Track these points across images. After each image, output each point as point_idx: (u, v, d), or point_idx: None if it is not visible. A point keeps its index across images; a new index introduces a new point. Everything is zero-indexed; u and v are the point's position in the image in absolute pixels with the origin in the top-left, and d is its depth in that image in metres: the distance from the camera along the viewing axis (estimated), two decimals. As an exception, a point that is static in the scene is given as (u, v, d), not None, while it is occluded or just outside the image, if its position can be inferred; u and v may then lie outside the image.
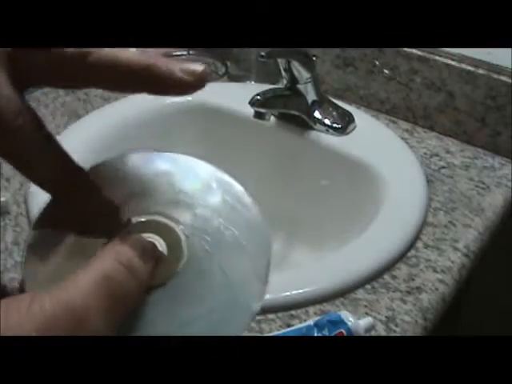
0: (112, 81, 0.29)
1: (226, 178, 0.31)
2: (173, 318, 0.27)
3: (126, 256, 0.27)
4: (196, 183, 0.31)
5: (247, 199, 0.31)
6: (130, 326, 0.27)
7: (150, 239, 0.29)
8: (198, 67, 0.29)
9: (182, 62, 0.29)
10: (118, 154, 0.32)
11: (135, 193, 0.31)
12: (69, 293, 0.24)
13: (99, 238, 0.29)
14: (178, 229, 0.29)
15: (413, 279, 0.69)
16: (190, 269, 0.29)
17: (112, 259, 0.26)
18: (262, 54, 0.77)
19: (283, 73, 0.86)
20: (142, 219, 0.30)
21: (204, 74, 0.29)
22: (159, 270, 0.28)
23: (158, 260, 0.28)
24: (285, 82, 0.87)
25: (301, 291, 0.66)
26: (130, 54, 0.29)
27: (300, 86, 0.86)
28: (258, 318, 0.64)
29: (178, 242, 0.29)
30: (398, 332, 0.62)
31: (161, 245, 0.29)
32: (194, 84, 0.29)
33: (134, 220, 0.30)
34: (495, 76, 0.85)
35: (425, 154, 0.88)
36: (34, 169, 0.29)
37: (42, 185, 0.30)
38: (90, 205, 0.30)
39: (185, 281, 0.28)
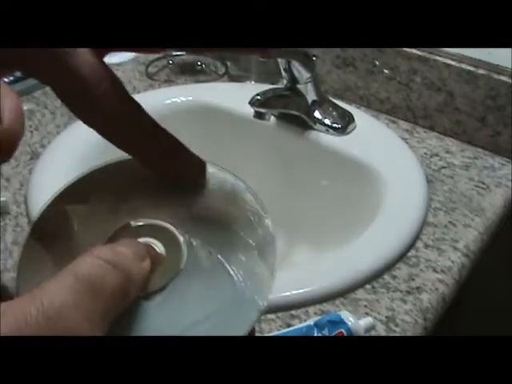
0: None
1: (227, 174, 0.31)
2: (177, 321, 0.27)
3: (110, 254, 0.26)
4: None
5: (249, 195, 0.30)
6: (130, 330, 0.26)
7: (146, 242, 0.28)
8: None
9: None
10: (118, 157, 0.31)
11: (134, 196, 0.30)
12: (48, 291, 0.24)
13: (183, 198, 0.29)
14: (177, 231, 0.29)
15: (413, 279, 0.69)
16: (191, 269, 0.28)
17: (94, 257, 0.25)
18: (262, 54, 0.77)
19: (283, 73, 0.86)
20: (140, 223, 0.29)
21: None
22: (158, 274, 0.28)
23: (156, 262, 0.28)
24: (285, 81, 0.87)
25: (301, 291, 0.66)
26: None
27: (300, 86, 0.86)
28: (258, 317, 0.64)
29: (176, 244, 0.29)
30: (397, 332, 0.62)
31: (158, 247, 0.28)
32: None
33: (133, 224, 0.29)
34: (495, 76, 0.85)
35: (425, 153, 0.88)
36: (121, 134, 0.29)
37: (130, 149, 0.29)
38: (178, 165, 0.30)
39: (187, 282, 0.28)
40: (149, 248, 0.28)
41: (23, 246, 0.29)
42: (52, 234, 0.29)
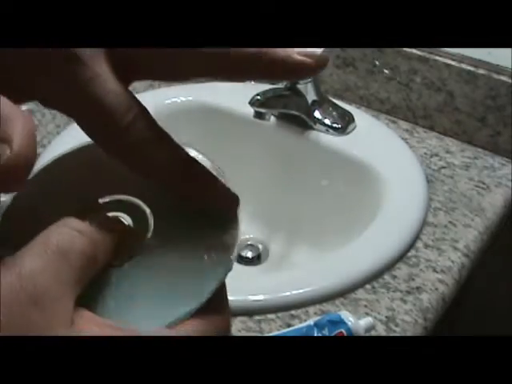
0: (222, 70, 0.28)
1: (194, 152, 0.32)
2: (145, 288, 0.28)
3: (78, 222, 0.27)
4: None
5: (213, 170, 0.31)
6: (101, 297, 0.27)
7: (114, 216, 0.30)
8: (317, 50, 0.28)
9: (294, 49, 0.28)
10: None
11: (106, 174, 0.31)
12: (19, 257, 0.25)
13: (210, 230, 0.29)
14: (143, 204, 0.30)
15: (413, 279, 0.69)
16: (158, 239, 0.29)
17: (60, 226, 0.26)
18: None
19: (283, 73, 0.85)
20: (107, 199, 0.30)
21: (324, 55, 0.28)
22: (127, 243, 0.29)
23: (124, 233, 0.29)
24: (285, 81, 0.87)
25: (301, 291, 0.66)
26: None
27: (300, 86, 0.86)
28: (258, 317, 0.64)
29: (143, 216, 0.30)
30: (398, 332, 0.63)
31: (126, 220, 0.30)
32: (315, 66, 0.27)
33: (100, 201, 0.30)
34: (495, 76, 0.85)
35: (425, 153, 0.88)
36: (148, 166, 0.28)
37: (158, 181, 0.29)
38: (206, 196, 0.29)
39: (154, 251, 0.29)
40: (117, 220, 0.29)
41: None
42: (22, 219, 0.31)
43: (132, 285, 0.28)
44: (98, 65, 0.27)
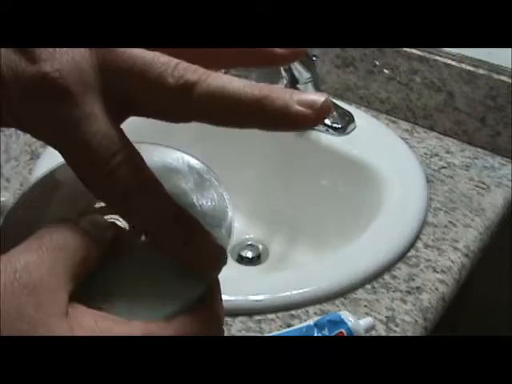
0: (219, 116, 0.27)
1: (178, 152, 0.32)
2: (139, 283, 0.28)
3: (71, 222, 0.27)
4: (157, 165, 0.31)
5: (207, 175, 0.31)
6: (99, 288, 0.28)
7: (110, 219, 0.30)
8: (319, 97, 0.25)
9: (300, 93, 0.25)
10: None
11: None
12: (14, 252, 0.25)
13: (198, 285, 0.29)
14: None
15: (413, 279, 0.69)
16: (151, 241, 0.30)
17: (56, 225, 0.27)
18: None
19: (283, 73, 0.86)
20: (102, 204, 0.30)
21: (326, 105, 0.25)
22: (121, 242, 0.29)
23: (118, 232, 0.29)
24: (285, 81, 0.87)
25: (301, 291, 0.66)
26: (239, 85, 0.26)
27: (300, 86, 0.86)
28: (258, 318, 0.64)
29: None
30: (398, 332, 0.63)
31: (122, 223, 0.30)
32: (314, 119, 0.25)
33: (96, 206, 0.30)
34: (495, 76, 0.85)
35: (425, 153, 0.88)
36: (132, 215, 0.27)
37: (143, 230, 0.28)
38: (189, 251, 0.27)
39: (148, 252, 0.29)
40: (112, 223, 0.29)
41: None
42: (22, 223, 0.31)
43: (125, 282, 0.28)
44: (89, 103, 0.26)
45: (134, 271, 0.29)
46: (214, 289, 0.28)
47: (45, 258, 0.25)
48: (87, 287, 0.27)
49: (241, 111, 0.26)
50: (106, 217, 0.30)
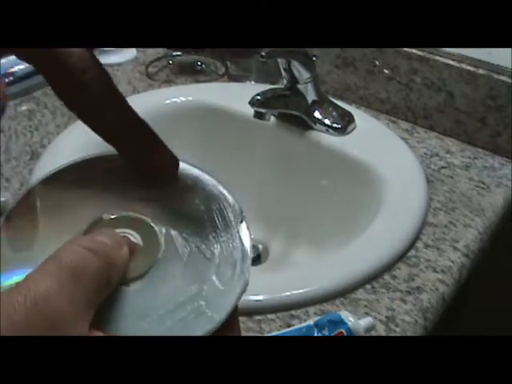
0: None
1: (197, 171, 0.32)
2: (157, 306, 0.27)
3: (91, 242, 0.27)
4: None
5: (218, 188, 0.31)
6: (112, 316, 0.27)
7: (122, 233, 0.29)
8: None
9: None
10: (95, 152, 0.32)
11: (108, 190, 0.31)
12: (33, 279, 0.24)
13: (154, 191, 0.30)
14: (151, 221, 0.30)
15: (413, 279, 0.69)
16: (169, 257, 0.29)
17: (75, 245, 0.26)
18: (262, 53, 0.78)
19: (283, 73, 0.86)
20: (114, 216, 0.30)
21: None
22: (137, 261, 0.28)
23: (134, 250, 0.28)
24: (285, 81, 0.87)
25: (301, 291, 0.66)
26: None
27: (300, 86, 0.86)
28: (258, 318, 0.64)
29: (152, 233, 0.30)
30: (398, 332, 0.62)
31: (135, 237, 0.29)
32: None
33: (106, 217, 0.30)
34: (495, 76, 0.85)
35: (425, 153, 0.88)
36: (100, 121, 0.30)
37: (108, 138, 0.30)
38: (153, 159, 0.31)
39: (165, 269, 0.28)
40: (125, 237, 0.29)
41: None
42: (24, 224, 0.30)
43: (144, 303, 0.27)
44: None
45: (153, 293, 0.28)
46: (236, 311, 0.28)
47: (65, 284, 0.24)
48: (105, 311, 0.26)
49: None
50: (118, 230, 0.29)
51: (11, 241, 0.29)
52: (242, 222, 0.30)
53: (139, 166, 0.31)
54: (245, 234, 0.30)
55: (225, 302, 0.28)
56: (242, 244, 0.30)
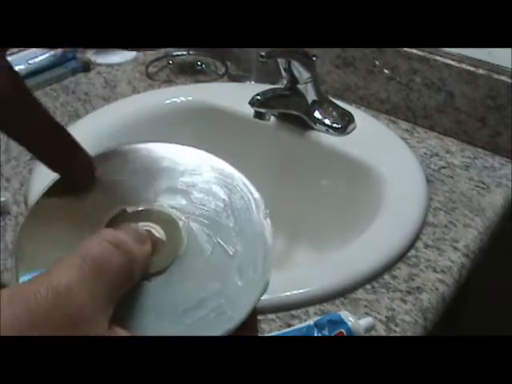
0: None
1: (222, 163, 0.31)
2: (178, 302, 0.27)
3: (114, 236, 0.26)
4: (190, 169, 0.31)
5: (242, 182, 0.31)
6: (133, 310, 0.27)
7: (145, 227, 0.29)
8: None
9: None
10: (114, 145, 0.32)
11: (132, 183, 0.31)
12: (56, 271, 0.24)
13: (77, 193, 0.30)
14: (175, 215, 0.29)
15: (413, 279, 0.69)
16: (191, 251, 0.28)
17: (98, 240, 0.26)
18: (262, 53, 0.78)
19: (283, 73, 0.86)
20: (138, 208, 0.30)
21: None
22: (159, 256, 0.28)
23: (156, 245, 0.28)
24: (285, 81, 0.87)
25: (301, 291, 0.66)
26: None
27: (300, 86, 0.86)
28: (258, 317, 0.64)
29: (175, 228, 0.29)
30: (398, 332, 0.62)
31: (158, 231, 0.29)
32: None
33: (130, 210, 0.30)
34: (495, 76, 0.85)
35: (425, 153, 0.88)
36: (12, 125, 0.29)
37: (22, 143, 0.30)
38: (68, 163, 0.30)
39: (187, 264, 0.28)
40: (148, 232, 0.29)
41: (21, 226, 0.30)
42: (48, 217, 0.30)
43: (165, 300, 0.27)
44: None
45: (174, 289, 0.27)
46: (255, 311, 0.28)
47: (86, 278, 0.24)
48: (125, 306, 0.26)
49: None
50: (140, 224, 0.29)
51: (33, 240, 0.29)
52: (266, 218, 0.30)
53: (58, 170, 0.30)
54: (268, 232, 0.29)
55: (245, 302, 0.27)
56: (266, 242, 0.29)
